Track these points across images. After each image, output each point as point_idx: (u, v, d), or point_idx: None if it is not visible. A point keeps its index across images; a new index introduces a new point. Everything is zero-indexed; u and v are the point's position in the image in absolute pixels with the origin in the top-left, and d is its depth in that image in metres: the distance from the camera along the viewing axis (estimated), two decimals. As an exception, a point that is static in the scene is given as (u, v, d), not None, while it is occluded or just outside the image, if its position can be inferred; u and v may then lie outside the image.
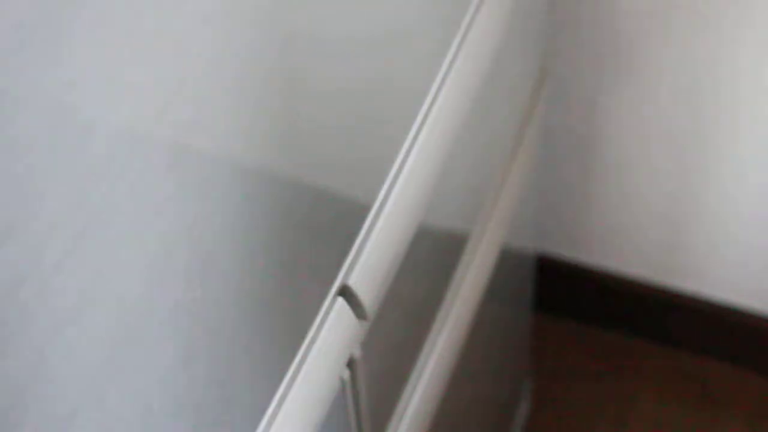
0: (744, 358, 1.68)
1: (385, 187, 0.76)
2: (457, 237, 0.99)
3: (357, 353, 0.76)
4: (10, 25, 0.39)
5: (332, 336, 0.71)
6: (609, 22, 1.36)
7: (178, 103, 0.50)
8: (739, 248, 1.56)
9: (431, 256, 0.91)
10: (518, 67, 1.08)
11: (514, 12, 0.95)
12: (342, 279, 0.72)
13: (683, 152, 1.47)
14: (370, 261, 0.74)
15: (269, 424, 0.66)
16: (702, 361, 1.69)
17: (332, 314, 0.71)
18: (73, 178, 0.44)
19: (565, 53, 1.42)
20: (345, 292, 0.72)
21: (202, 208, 0.54)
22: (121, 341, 0.51)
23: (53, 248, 0.44)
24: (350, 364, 0.75)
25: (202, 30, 0.51)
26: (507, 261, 1.21)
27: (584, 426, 1.65)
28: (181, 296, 0.54)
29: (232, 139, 0.56)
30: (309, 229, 0.66)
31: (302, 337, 0.69)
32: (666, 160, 1.49)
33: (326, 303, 0.71)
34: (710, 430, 1.64)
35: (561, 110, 1.48)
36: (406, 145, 0.78)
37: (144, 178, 0.49)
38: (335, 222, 0.70)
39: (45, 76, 0.42)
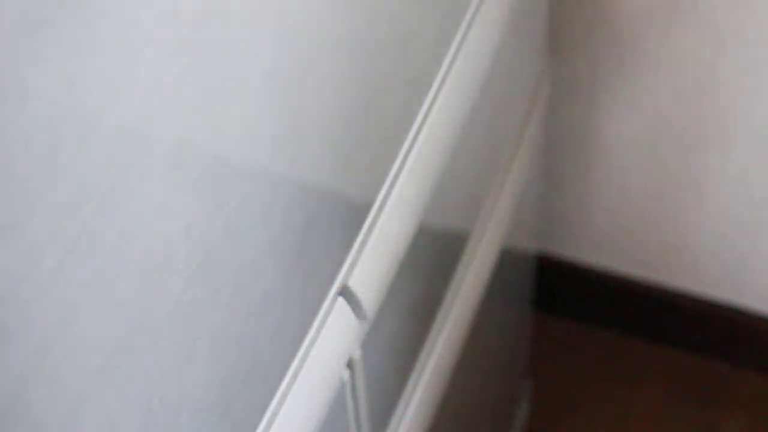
0: (744, 358, 1.68)
1: (385, 186, 0.76)
2: (457, 237, 0.99)
3: (357, 353, 0.76)
4: (10, 24, 0.39)
5: (332, 336, 0.71)
6: (609, 22, 1.36)
7: (178, 103, 0.50)
8: (738, 248, 1.56)
9: (431, 256, 0.91)
10: (518, 67, 1.08)
11: (514, 12, 0.95)
12: (342, 279, 0.72)
13: (683, 152, 1.47)
14: (370, 261, 0.74)
15: (269, 423, 0.66)
16: (702, 361, 1.69)
17: (332, 314, 0.71)
18: (73, 178, 0.44)
19: (565, 53, 1.41)
20: (345, 292, 0.72)
21: (202, 208, 0.54)
22: (121, 341, 0.51)
23: (53, 248, 0.44)
24: (350, 364, 0.75)
25: (202, 29, 0.51)
26: (507, 261, 1.21)
27: (584, 426, 1.65)
28: (181, 296, 0.54)
29: (232, 139, 0.56)
30: (309, 229, 0.66)
31: (302, 337, 0.69)
32: (666, 160, 1.49)
33: (326, 303, 0.71)
34: (710, 430, 1.64)
35: (561, 110, 1.48)
36: (406, 144, 0.78)
37: (144, 178, 0.49)
38: (335, 222, 0.70)
39: (45, 76, 0.42)
